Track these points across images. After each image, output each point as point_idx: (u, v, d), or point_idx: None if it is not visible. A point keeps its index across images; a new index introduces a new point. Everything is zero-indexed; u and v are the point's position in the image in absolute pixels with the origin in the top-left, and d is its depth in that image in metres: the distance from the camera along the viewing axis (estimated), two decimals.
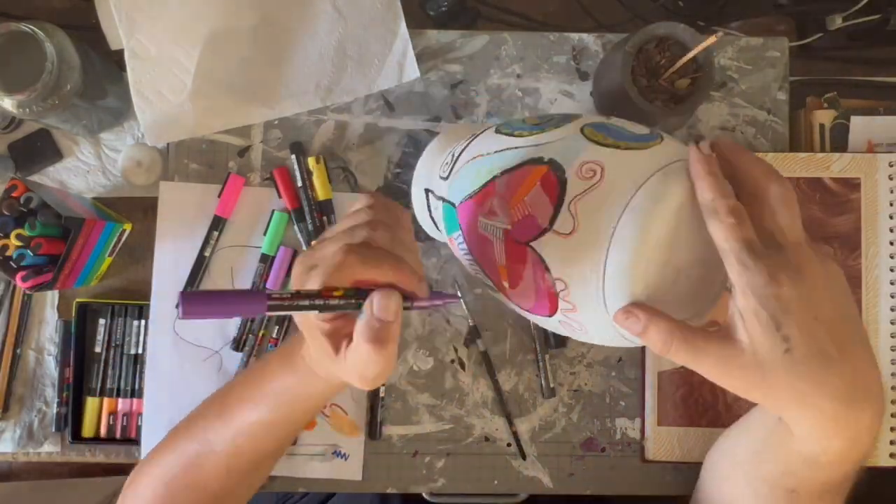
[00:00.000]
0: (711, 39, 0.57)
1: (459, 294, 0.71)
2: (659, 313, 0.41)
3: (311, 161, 0.70)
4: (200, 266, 0.70)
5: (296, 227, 0.71)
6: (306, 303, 0.41)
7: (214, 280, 0.71)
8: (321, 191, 0.70)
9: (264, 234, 0.71)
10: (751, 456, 0.54)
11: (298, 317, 0.47)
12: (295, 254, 0.71)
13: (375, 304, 0.42)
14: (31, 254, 0.64)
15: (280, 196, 0.71)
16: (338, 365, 0.45)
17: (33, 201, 0.65)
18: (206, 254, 0.70)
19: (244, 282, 0.71)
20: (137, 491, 0.60)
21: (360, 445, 0.70)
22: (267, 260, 0.70)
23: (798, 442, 0.45)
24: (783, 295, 0.39)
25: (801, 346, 0.39)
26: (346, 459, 0.70)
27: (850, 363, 0.40)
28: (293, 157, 0.71)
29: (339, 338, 0.44)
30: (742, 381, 0.41)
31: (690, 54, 0.61)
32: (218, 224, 0.70)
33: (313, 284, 0.42)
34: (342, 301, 0.42)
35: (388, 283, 0.42)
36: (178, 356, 0.70)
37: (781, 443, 0.48)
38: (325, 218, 0.70)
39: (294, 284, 0.44)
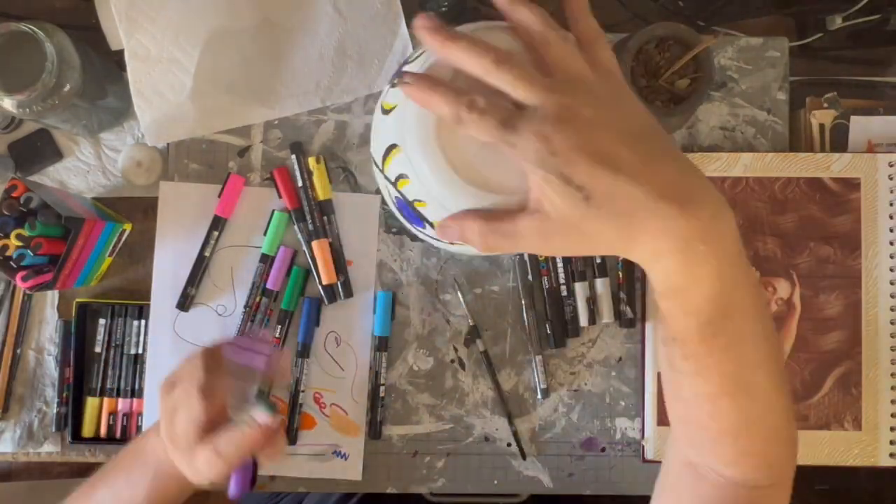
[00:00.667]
0: (711, 40, 0.58)
1: (459, 292, 0.71)
2: (466, 213, 0.41)
3: (311, 161, 0.70)
4: (200, 266, 0.70)
5: (296, 227, 0.70)
6: None
7: (214, 280, 0.71)
8: (321, 191, 0.70)
9: (264, 234, 0.71)
10: (658, 341, 0.52)
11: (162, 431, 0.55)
12: (295, 254, 0.71)
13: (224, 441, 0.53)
14: (31, 254, 0.64)
15: (280, 196, 0.71)
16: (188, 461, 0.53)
17: (33, 201, 0.65)
18: (207, 254, 0.70)
19: (244, 282, 0.71)
20: None
21: (360, 445, 0.70)
22: (267, 260, 0.70)
23: (649, 277, 0.42)
24: (557, 147, 0.37)
25: (598, 187, 0.37)
26: (345, 459, 0.70)
27: (656, 176, 0.38)
28: (293, 157, 0.71)
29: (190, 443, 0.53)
30: (567, 245, 0.40)
31: (690, 54, 0.61)
32: (218, 224, 0.70)
33: (177, 421, 0.53)
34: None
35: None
36: (179, 356, 0.70)
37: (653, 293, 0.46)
38: (325, 217, 0.70)
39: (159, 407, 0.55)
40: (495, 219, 0.41)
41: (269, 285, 0.70)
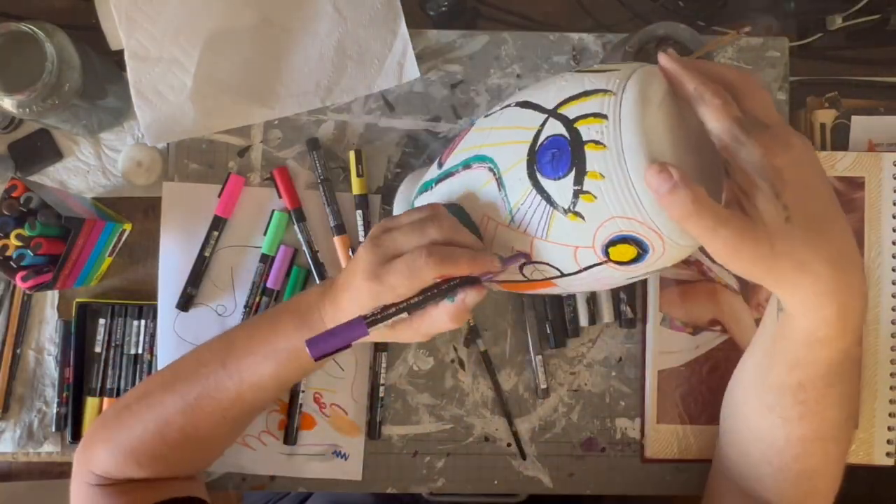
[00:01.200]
0: (716, 43, 0.57)
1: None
2: (688, 177, 0.41)
3: (351, 155, 0.70)
4: (201, 266, 0.70)
5: (296, 227, 0.70)
6: (394, 310, 0.49)
7: (214, 280, 0.71)
8: (356, 186, 0.70)
9: (264, 234, 0.71)
10: (757, 372, 0.55)
11: (364, 288, 0.51)
12: (295, 253, 0.71)
13: (469, 298, 0.48)
14: (31, 254, 0.64)
15: (280, 196, 0.71)
16: (383, 330, 0.49)
17: (33, 201, 0.65)
18: (207, 254, 0.70)
19: (244, 282, 0.71)
20: (128, 422, 0.60)
21: (360, 445, 0.70)
22: (267, 260, 0.70)
23: (796, 320, 0.46)
24: (778, 164, 0.41)
25: (799, 213, 0.41)
26: (346, 459, 0.70)
27: (836, 229, 0.43)
28: (313, 153, 0.70)
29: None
30: (751, 255, 0.42)
31: (692, 57, 0.61)
32: (218, 224, 0.70)
33: (396, 280, 0.48)
34: (431, 295, 0.49)
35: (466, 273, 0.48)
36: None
37: (782, 338, 0.49)
38: (358, 212, 0.71)
39: (362, 267, 0.50)
40: (710, 207, 0.41)
41: (269, 285, 0.70)
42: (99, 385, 0.72)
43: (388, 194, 0.71)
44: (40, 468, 0.76)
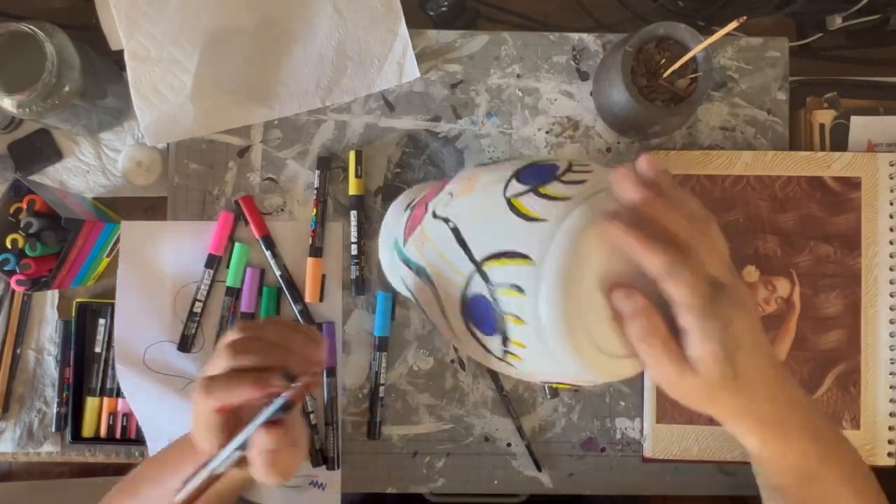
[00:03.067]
0: (712, 38, 0.57)
1: None
2: (655, 310, 0.42)
3: (352, 156, 0.71)
4: (199, 307, 0.70)
5: (267, 254, 0.70)
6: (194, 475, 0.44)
7: (181, 317, 0.70)
8: (354, 186, 0.71)
9: (227, 266, 0.70)
10: None
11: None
12: (263, 273, 0.71)
13: (260, 444, 0.42)
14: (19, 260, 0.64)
15: (247, 224, 0.70)
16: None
17: (33, 226, 0.65)
18: (201, 298, 0.70)
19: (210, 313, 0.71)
20: None
21: (338, 476, 0.70)
22: (233, 293, 0.70)
23: (747, 448, 0.49)
24: (734, 332, 0.42)
25: (747, 373, 0.43)
26: (323, 490, 0.70)
27: (772, 379, 0.46)
28: (317, 172, 0.71)
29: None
30: (690, 397, 0.45)
31: (690, 54, 0.61)
32: (212, 262, 0.70)
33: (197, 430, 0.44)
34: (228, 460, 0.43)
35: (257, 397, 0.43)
36: (157, 390, 0.70)
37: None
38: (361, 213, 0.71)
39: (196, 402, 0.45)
40: (667, 334, 0.42)
41: (243, 309, 0.70)
42: (99, 385, 0.72)
43: (387, 195, 0.71)
44: (40, 468, 0.76)
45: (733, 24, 0.54)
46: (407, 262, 0.54)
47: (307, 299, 0.70)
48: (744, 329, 0.43)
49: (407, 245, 0.55)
